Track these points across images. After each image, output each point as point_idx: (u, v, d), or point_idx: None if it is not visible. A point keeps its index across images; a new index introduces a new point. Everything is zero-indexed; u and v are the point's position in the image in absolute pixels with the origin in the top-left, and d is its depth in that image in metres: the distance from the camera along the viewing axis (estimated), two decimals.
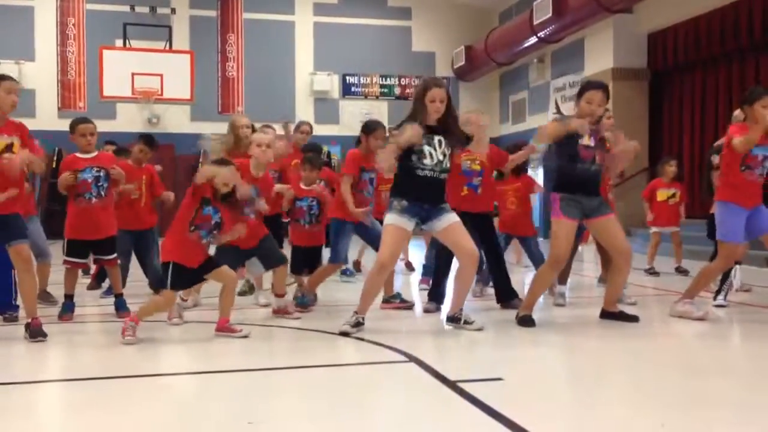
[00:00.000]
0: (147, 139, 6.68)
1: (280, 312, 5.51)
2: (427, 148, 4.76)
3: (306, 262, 6.02)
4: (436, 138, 4.78)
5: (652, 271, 8.50)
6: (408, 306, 5.90)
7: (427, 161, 4.77)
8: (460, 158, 5.77)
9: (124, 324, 4.61)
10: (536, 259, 6.41)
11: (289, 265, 5.68)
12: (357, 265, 8.58)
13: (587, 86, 5.12)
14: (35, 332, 4.63)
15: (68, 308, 5.46)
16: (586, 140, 5.00)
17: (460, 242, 4.89)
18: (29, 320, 4.71)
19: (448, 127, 4.83)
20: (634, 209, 12.97)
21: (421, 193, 4.81)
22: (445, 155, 4.81)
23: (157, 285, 5.47)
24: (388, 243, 4.82)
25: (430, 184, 4.81)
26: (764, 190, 5.33)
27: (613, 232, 5.11)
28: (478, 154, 5.76)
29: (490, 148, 5.95)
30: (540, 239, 7.93)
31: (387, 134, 5.73)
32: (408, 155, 4.78)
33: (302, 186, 5.96)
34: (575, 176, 5.03)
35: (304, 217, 5.92)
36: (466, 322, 4.93)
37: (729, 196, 5.26)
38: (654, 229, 8.86)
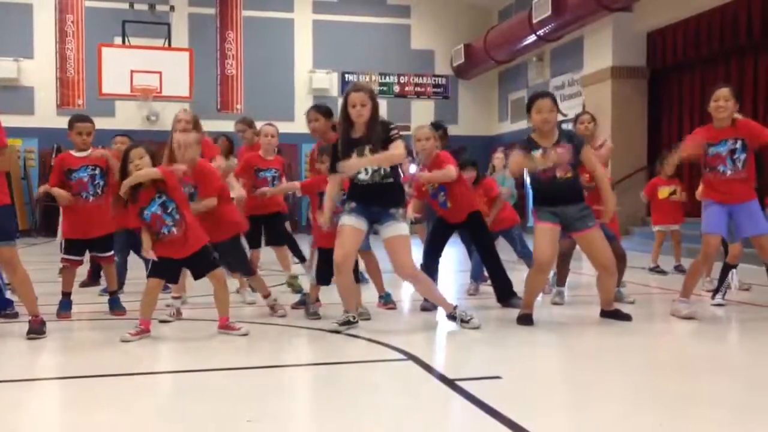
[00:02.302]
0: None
1: (272, 309, 5.50)
2: None
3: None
4: (366, 148, 4.77)
5: (657, 270, 8.49)
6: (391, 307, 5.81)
7: (362, 176, 4.81)
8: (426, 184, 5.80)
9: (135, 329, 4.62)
10: (521, 248, 6.91)
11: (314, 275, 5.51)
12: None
13: (533, 97, 5.14)
14: (32, 330, 4.64)
15: (66, 306, 5.46)
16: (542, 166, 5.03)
17: (394, 256, 4.87)
18: (30, 318, 4.72)
19: (374, 133, 4.76)
20: (632, 208, 12.99)
21: (365, 198, 4.85)
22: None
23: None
24: (340, 242, 4.85)
25: (372, 191, 4.83)
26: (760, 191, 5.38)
27: (595, 247, 5.10)
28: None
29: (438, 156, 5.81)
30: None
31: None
32: None
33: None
34: (540, 189, 5.12)
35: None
36: (463, 321, 4.93)
37: (704, 193, 5.45)
38: (657, 228, 8.82)
